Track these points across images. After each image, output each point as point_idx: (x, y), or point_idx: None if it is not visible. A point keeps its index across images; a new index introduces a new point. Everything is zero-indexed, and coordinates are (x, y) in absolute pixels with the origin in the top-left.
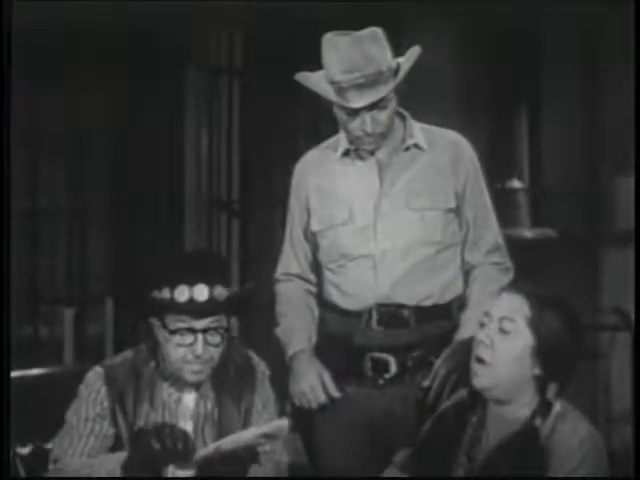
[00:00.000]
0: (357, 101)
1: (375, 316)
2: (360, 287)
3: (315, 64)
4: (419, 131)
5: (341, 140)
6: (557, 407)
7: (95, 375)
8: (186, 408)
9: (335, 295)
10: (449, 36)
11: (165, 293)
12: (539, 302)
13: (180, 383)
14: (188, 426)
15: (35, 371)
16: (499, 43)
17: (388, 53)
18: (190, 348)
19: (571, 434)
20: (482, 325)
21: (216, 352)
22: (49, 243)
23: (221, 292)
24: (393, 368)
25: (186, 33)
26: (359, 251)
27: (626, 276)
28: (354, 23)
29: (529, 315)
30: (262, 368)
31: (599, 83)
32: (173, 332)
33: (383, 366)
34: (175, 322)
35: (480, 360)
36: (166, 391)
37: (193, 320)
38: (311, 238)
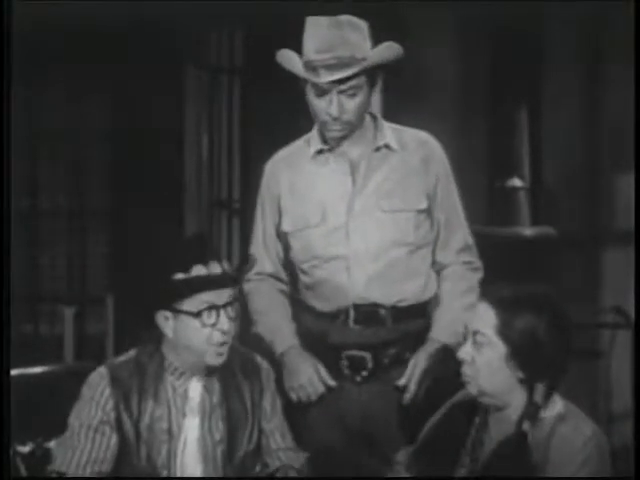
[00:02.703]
0: (324, 78)
1: (352, 315)
2: (334, 289)
3: None
4: (390, 131)
5: (313, 139)
6: (558, 407)
7: (99, 376)
8: (193, 401)
9: (310, 297)
10: (449, 36)
11: (180, 277)
12: (507, 306)
13: (188, 374)
14: (195, 420)
15: (35, 369)
16: (499, 43)
17: (367, 43)
18: (215, 327)
19: (574, 434)
20: (465, 340)
21: (234, 327)
22: (49, 243)
23: (228, 266)
24: (369, 365)
25: (186, 33)
26: (332, 252)
27: (626, 276)
28: None
29: (496, 323)
30: (266, 366)
31: (599, 82)
32: (197, 314)
33: (360, 364)
34: (197, 304)
35: (466, 376)
36: (171, 385)
37: (214, 297)
38: (282, 237)
